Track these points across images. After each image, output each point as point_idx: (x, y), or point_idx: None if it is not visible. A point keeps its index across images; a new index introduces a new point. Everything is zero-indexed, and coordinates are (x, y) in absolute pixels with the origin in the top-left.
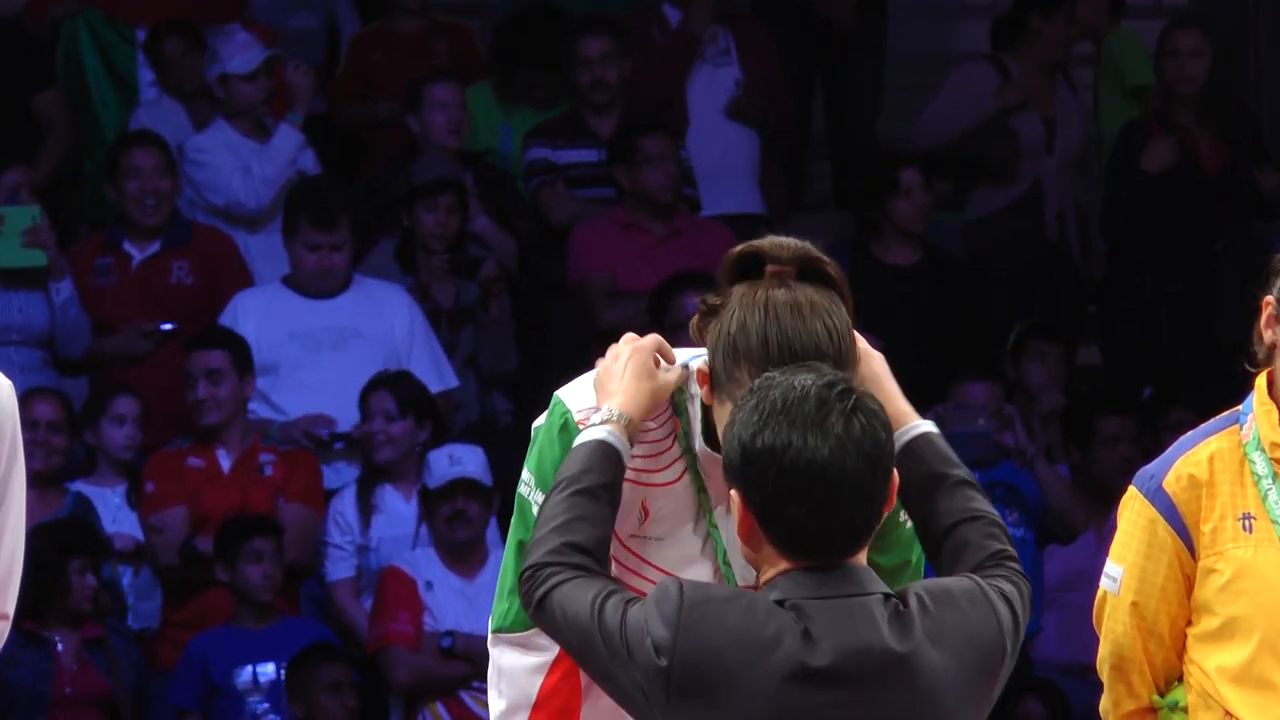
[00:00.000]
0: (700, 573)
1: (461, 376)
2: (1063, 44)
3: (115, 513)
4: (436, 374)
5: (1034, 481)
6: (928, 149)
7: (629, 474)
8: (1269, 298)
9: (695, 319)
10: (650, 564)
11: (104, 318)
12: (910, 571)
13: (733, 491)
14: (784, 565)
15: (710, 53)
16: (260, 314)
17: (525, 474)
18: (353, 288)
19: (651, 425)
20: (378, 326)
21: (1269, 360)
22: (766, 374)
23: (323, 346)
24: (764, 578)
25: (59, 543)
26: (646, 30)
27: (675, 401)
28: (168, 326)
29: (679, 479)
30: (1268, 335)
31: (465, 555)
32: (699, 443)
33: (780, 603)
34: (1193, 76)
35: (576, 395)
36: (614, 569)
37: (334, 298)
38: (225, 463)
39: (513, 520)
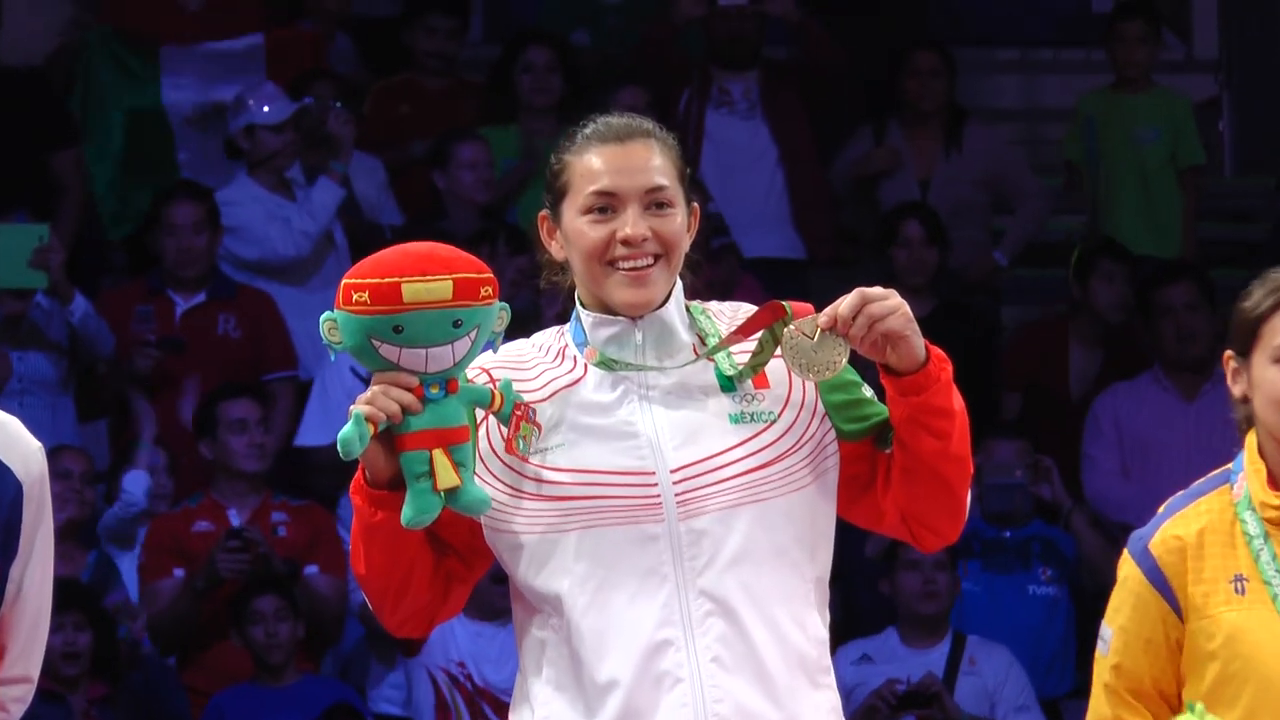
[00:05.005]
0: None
1: None
2: (930, 101)
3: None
4: None
5: (1070, 537)
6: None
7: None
8: (1228, 352)
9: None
10: (566, 469)
11: (149, 367)
12: None
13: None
14: None
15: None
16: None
17: None
18: None
19: (526, 347)
20: None
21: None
22: None
23: None
24: None
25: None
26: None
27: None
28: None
29: (582, 376)
30: (1236, 391)
31: (487, 597)
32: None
33: None
34: None
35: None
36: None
37: None
38: (236, 522)
39: None
